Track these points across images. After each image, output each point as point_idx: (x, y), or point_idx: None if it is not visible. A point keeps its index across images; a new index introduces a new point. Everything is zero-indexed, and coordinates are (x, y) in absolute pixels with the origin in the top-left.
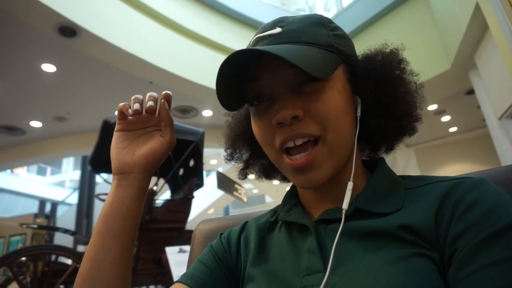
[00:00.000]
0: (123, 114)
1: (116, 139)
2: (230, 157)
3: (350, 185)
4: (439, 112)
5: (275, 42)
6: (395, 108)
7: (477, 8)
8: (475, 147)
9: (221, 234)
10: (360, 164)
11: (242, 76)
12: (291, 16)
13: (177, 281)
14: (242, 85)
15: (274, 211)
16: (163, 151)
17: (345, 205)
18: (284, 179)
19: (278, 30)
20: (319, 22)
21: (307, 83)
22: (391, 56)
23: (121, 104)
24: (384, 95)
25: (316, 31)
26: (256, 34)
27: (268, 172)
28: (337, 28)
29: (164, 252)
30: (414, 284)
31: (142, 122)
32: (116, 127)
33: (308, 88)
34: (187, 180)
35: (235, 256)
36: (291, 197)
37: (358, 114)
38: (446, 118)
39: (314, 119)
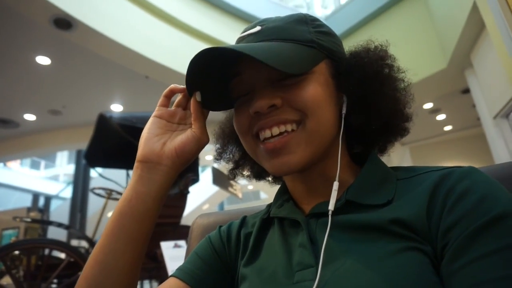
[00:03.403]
0: (167, 100)
1: (151, 124)
2: (219, 157)
3: (335, 185)
4: (435, 111)
5: (253, 41)
6: (379, 105)
7: (475, 7)
8: (469, 146)
9: (220, 227)
10: (347, 160)
11: (222, 75)
12: (275, 17)
13: (172, 276)
14: (224, 84)
15: (269, 206)
16: (194, 146)
17: (331, 206)
18: (273, 179)
19: (257, 28)
20: (301, 20)
21: (288, 78)
22: (376, 52)
23: (173, 85)
24: (367, 91)
25: (295, 28)
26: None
27: (258, 172)
28: (321, 25)
29: (159, 247)
30: (407, 278)
31: (181, 117)
32: (155, 113)
33: (289, 81)
34: (182, 175)
35: (234, 253)
36: (283, 192)
37: (343, 111)
38: (441, 117)
39: (293, 106)
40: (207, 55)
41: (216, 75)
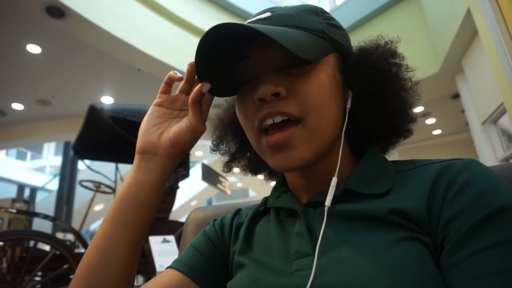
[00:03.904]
0: (167, 86)
1: (150, 114)
2: (216, 148)
3: (334, 181)
4: (425, 115)
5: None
6: (386, 103)
7: (468, 14)
8: (457, 151)
9: (215, 220)
10: (348, 155)
11: (229, 57)
12: (284, 6)
13: (169, 267)
14: (230, 68)
15: (265, 199)
16: (188, 136)
17: (327, 202)
18: (269, 175)
19: (267, 14)
20: (311, 10)
21: (296, 66)
22: (386, 49)
23: (171, 72)
24: (374, 88)
25: (306, 17)
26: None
27: (254, 166)
28: (331, 18)
29: (146, 242)
30: (407, 268)
31: (183, 103)
32: (155, 101)
33: (296, 70)
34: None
35: (228, 242)
36: (281, 185)
37: (348, 106)
38: (431, 121)
39: (296, 99)
40: (218, 32)
41: (222, 58)
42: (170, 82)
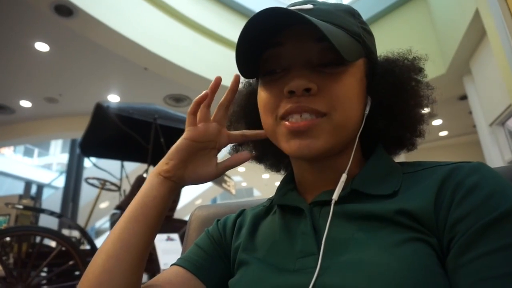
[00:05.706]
0: (194, 117)
1: (183, 148)
2: (229, 124)
3: (343, 177)
4: (431, 116)
5: None
6: (402, 116)
7: (477, 15)
8: (464, 152)
9: (218, 220)
10: (358, 155)
11: (261, 41)
12: (322, 1)
13: (173, 264)
14: (260, 52)
15: (270, 200)
16: (210, 179)
17: (335, 196)
18: (272, 164)
19: (309, 6)
20: (350, 11)
21: (330, 65)
22: (413, 63)
23: (195, 99)
24: (394, 100)
25: (346, 18)
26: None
27: (259, 154)
28: (365, 23)
29: None
30: (413, 269)
31: (211, 133)
32: (185, 134)
33: (329, 69)
34: None
35: (230, 240)
36: (288, 182)
37: (366, 112)
38: (437, 122)
39: (326, 97)
40: (266, 15)
41: (253, 40)
42: (197, 109)
